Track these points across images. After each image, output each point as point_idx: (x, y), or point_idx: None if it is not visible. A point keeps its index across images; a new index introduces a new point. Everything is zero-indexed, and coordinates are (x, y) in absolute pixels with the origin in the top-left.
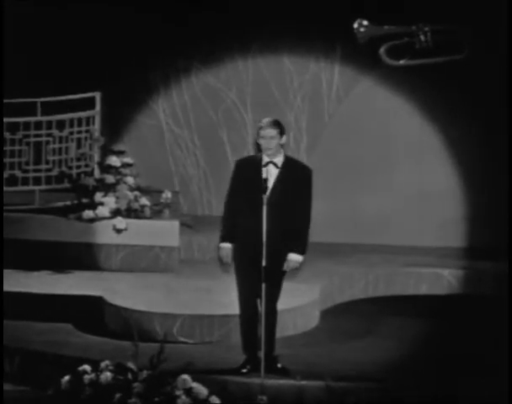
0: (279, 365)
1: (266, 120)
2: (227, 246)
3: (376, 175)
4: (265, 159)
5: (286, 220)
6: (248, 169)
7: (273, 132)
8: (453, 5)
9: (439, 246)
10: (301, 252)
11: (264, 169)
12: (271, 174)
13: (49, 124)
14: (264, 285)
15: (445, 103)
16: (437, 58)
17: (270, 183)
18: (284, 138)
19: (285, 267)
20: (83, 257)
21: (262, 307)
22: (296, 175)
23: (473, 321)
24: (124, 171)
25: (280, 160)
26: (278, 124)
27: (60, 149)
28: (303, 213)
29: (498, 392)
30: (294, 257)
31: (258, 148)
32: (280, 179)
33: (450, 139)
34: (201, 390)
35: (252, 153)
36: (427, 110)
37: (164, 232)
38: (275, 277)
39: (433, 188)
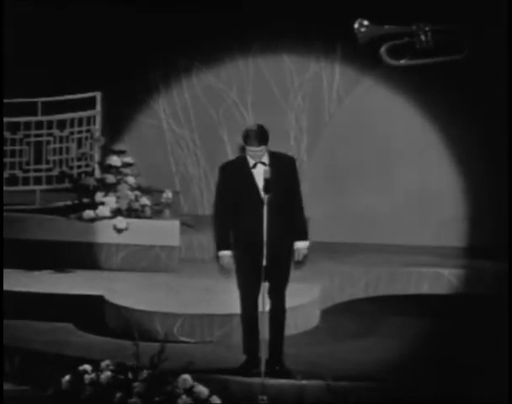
0: (283, 367)
1: (253, 136)
2: (227, 253)
3: (377, 174)
4: (251, 161)
5: (283, 215)
6: (236, 172)
7: (262, 147)
8: (453, 5)
9: (439, 245)
10: (305, 237)
11: (264, 170)
12: (261, 173)
13: (49, 124)
14: (266, 284)
15: (446, 102)
16: (437, 58)
17: (261, 182)
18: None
19: (296, 256)
20: (84, 256)
21: (263, 306)
22: (283, 167)
23: (474, 321)
24: (124, 171)
25: (265, 158)
26: (265, 138)
27: (60, 149)
28: (297, 201)
29: (499, 392)
30: (301, 245)
31: (242, 149)
32: (271, 176)
33: (450, 138)
34: (202, 389)
35: None
36: (427, 110)
37: (165, 232)
38: (279, 277)
39: (433, 187)
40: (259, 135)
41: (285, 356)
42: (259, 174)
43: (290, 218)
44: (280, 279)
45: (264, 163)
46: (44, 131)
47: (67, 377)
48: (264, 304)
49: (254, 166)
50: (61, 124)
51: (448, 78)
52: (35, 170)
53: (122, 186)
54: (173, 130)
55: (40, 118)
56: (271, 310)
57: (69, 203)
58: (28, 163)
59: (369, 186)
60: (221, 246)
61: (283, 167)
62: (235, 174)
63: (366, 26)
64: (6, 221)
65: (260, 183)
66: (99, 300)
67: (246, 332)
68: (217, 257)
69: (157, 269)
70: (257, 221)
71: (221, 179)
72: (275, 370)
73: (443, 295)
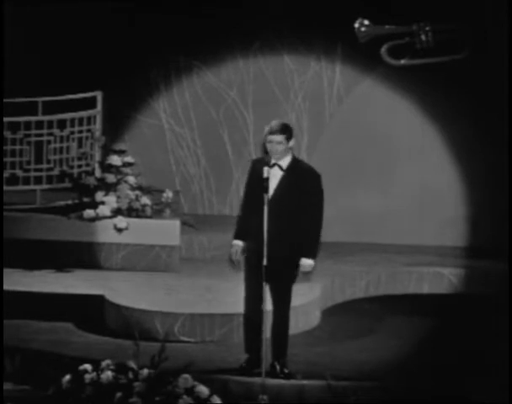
0: (286, 370)
1: (275, 124)
2: (238, 243)
3: (378, 174)
4: (272, 160)
5: (289, 222)
6: (258, 169)
7: (280, 138)
8: (454, 5)
9: (440, 245)
10: (313, 256)
11: (265, 169)
12: (276, 176)
13: (50, 124)
14: (266, 286)
15: (446, 102)
16: (438, 58)
17: (274, 185)
18: (292, 142)
19: (298, 272)
20: (84, 256)
21: (265, 308)
22: (302, 179)
23: (474, 321)
24: (125, 170)
25: (285, 162)
26: (286, 129)
27: (61, 148)
28: (313, 218)
29: (499, 392)
30: (306, 262)
31: (265, 150)
32: (283, 181)
33: (451, 138)
34: (202, 389)
35: (252, 152)
36: (428, 110)
37: (165, 231)
38: (280, 279)
39: (434, 187)
40: (280, 125)
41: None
42: (273, 175)
43: (298, 227)
44: (279, 281)
45: (280, 167)
46: (44, 131)
47: (68, 377)
48: (266, 304)
49: (272, 166)
50: (62, 124)
51: (448, 78)
52: (36, 169)
53: (122, 185)
54: (174, 129)
55: (40, 117)
56: (272, 312)
57: (69, 202)
58: (28, 163)
59: (369, 186)
60: (235, 235)
61: (301, 177)
62: (257, 170)
63: (367, 26)
64: (6, 221)
65: (272, 184)
66: (99, 300)
67: (247, 330)
68: (231, 246)
69: (158, 269)
70: (261, 220)
71: (248, 174)
72: (277, 373)
73: (443, 295)
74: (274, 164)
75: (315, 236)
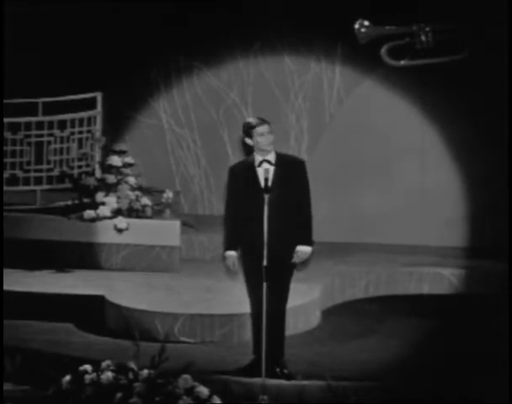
0: (285, 371)
1: (255, 118)
2: (233, 254)
3: (378, 174)
4: (258, 159)
5: (287, 216)
6: (244, 173)
7: (270, 127)
8: (453, 5)
9: (440, 245)
10: (309, 243)
11: (264, 169)
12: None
13: (50, 125)
14: (265, 285)
15: (446, 102)
16: (438, 58)
17: (268, 182)
18: None
19: (295, 258)
20: (84, 256)
21: (264, 308)
22: (291, 169)
23: (474, 321)
24: (125, 171)
25: (272, 157)
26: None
27: (61, 149)
28: (304, 206)
29: (499, 392)
30: (302, 249)
31: (248, 149)
32: (276, 176)
33: (451, 138)
34: (202, 389)
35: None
36: (427, 110)
37: (165, 232)
38: (280, 278)
39: (434, 187)
40: (260, 117)
41: (285, 356)
42: (263, 172)
43: (294, 220)
44: (279, 280)
45: (269, 162)
46: (44, 131)
47: (68, 377)
48: (265, 304)
49: (260, 164)
50: (62, 125)
51: (448, 78)
52: (36, 170)
53: (123, 186)
54: (174, 129)
55: (40, 118)
56: (270, 311)
57: (70, 203)
58: (28, 163)
59: (369, 186)
60: (226, 246)
61: (289, 168)
62: (241, 175)
63: (367, 27)
64: (6, 221)
65: (263, 183)
66: (99, 300)
67: (254, 331)
68: (224, 258)
69: (158, 269)
70: (259, 221)
71: (229, 181)
72: (276, 373)
73: (443, 295)
74: (262, 161)
75: (308, 222)
